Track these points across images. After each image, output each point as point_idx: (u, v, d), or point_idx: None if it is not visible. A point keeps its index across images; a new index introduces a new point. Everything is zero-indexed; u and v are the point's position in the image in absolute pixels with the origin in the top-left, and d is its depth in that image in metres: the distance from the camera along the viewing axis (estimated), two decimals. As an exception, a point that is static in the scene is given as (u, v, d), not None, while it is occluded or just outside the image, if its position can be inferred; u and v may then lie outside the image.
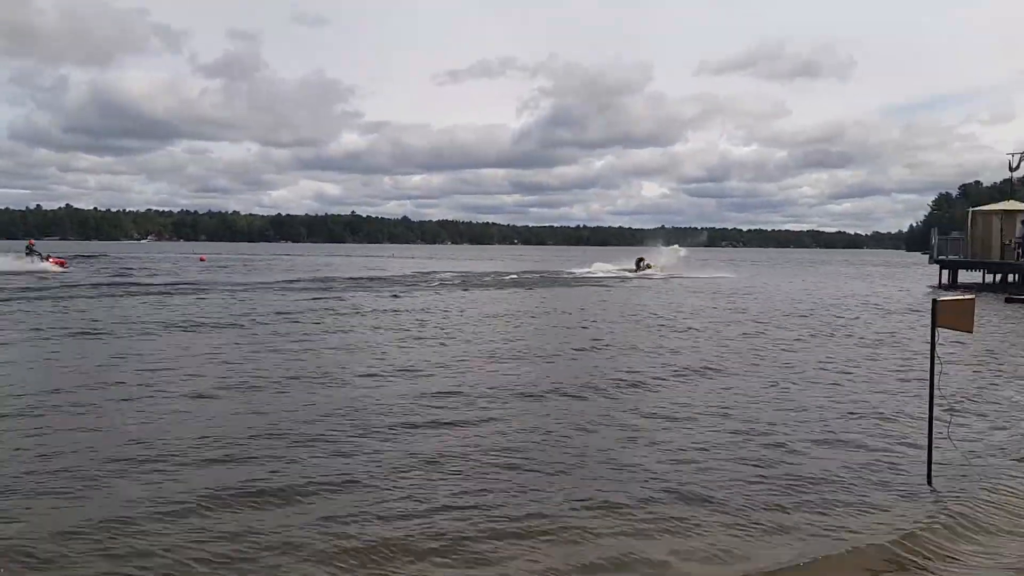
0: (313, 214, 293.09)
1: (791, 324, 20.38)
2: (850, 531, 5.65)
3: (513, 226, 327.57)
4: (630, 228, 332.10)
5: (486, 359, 13.64)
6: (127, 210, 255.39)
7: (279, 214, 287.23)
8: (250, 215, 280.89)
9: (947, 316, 6.82)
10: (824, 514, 6.00)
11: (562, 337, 17.10)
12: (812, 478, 6.90)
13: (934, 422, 6.78)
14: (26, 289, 28.29)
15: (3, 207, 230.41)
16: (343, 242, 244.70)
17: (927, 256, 43.84)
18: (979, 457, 7.55)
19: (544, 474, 6.91)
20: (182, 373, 11.65)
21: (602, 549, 5.28)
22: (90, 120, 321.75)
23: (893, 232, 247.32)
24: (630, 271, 48.52)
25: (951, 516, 5.93)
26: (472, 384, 11.12)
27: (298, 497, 6.19)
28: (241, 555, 5.09)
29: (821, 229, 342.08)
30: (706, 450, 7.79)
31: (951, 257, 40.48)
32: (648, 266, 49.17)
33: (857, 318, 22.38)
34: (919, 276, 49.39)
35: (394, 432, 8.29)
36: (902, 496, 6.45)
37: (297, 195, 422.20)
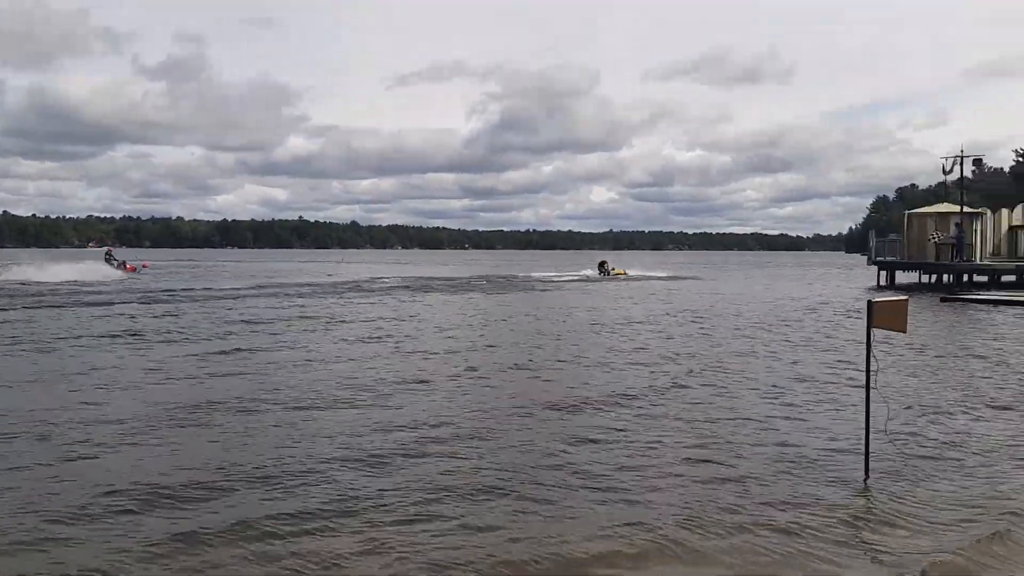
0: (260, 219, 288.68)
1: (740, 324, 20.77)
2: (789, 526, 5.79)
3: (463, 231, 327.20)
4: (579, 232, 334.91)
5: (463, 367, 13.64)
6: (67, 216, 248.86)
7: (225, 219, 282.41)
8: (195, 221, 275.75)
9: (882, 317, 7.04)
10: (766, 511, 6.15)
11: (532, 343, 17.18)
12: (754, 477, 7.06)
13: (871, 420, 7.00)
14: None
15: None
16: (291, 247, 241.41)
17: (866, 258, 45.04)
18: (914, 454, 7.79)
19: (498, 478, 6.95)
20: (121, 391, 11.38)
21: (554, 552, 5.33)
22: (29, 124, 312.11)
23: (833, 234, 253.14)
24: (594, 273, 50.23)
25: (883, 510, 6.14)
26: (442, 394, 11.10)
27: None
28: None
29: (764, 232, 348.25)
30: (651, 451, 7.91)
31: (888, 259, 41.67)
32: (612, 270, 50.99)
33: (800, 320, 22.90)
34: (859, 277, 50.69)
35: (372, 460, 8.24)
36: (839, 492, 6.64)
37: (243, 200, 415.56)
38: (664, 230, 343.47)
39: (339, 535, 5.58)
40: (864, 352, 6.97)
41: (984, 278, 36.76)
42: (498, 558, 5.21)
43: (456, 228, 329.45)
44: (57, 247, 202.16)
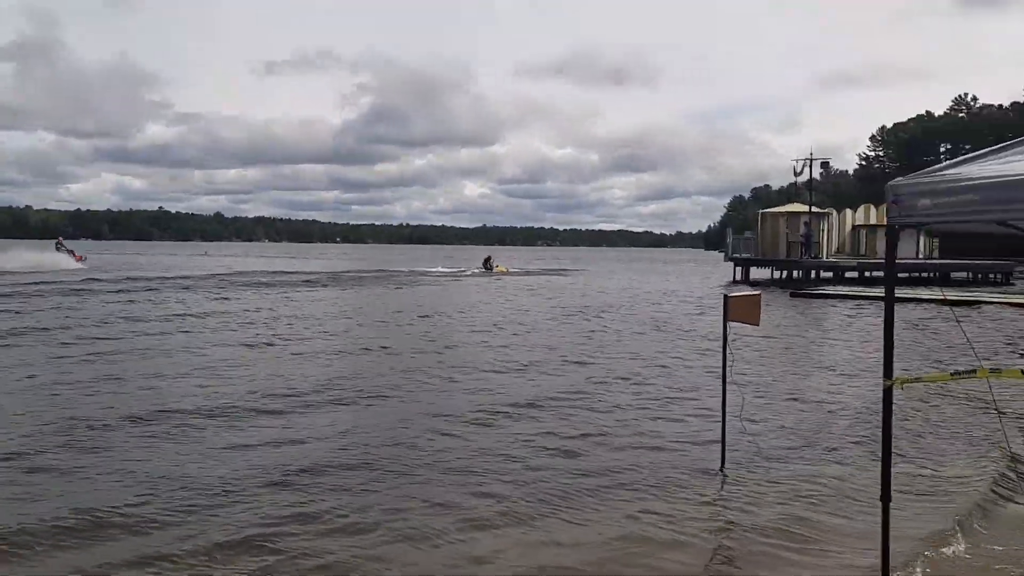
0: (117, 209, 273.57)
1: (608, 318, 21.32)
2: (648, 515, 6.01)
3: (334, 224, 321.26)
4: (452, 227, 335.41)
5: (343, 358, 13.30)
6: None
7: (78, 209, 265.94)
8: (45, 210, 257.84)
9: (736, 311, 7.38)
10: (627, 500, 6.35)
11: (411, 334, 16.97)
12: (615, 468, 7.26)
13: (727, 411, 7.34)
14: None
15: None
16: (150, 239, 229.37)
17: (723, 254, 47.24)
18: (766, 443, 8.21)
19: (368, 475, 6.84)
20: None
21: (424, 545, 5.29)
22: None
23: (694, 232, 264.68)
24: (479, 270, 51.23)
25: (735, 497, 6.46)
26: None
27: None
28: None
29: (630, 229, 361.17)
30: (515, 445, 7.99)
31: (744, 255, 43.85)
32: (496, 266, 52.33)
33: (664, 313, 23.74)
34: (717, 273, 53.08)
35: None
36: (695, 480, 6.92)
37: (99, 189, 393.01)
38: (535, 226, 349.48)
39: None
40: (720, 344, 7.29)
41: (830, 274, 39.30)
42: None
43: (327, 221, 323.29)
44: None
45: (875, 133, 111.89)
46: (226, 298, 26.98)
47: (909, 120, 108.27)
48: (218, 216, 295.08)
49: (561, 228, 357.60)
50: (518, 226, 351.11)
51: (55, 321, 18.40)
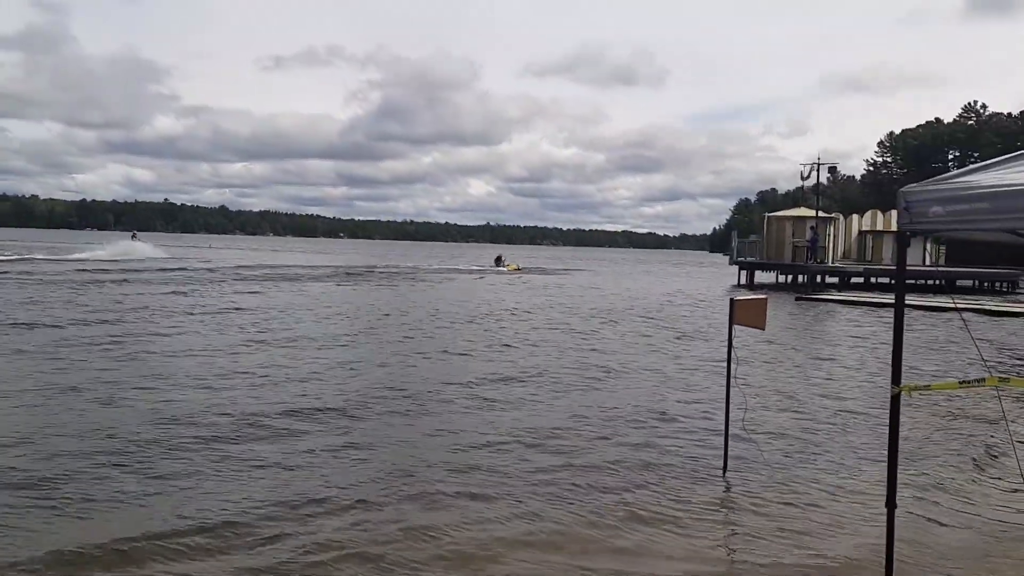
0: (122, 200, 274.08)
1: (619, 319, 21.32)
2: (652, 513, 6.04)
3: (339, 219, 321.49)
4: (456, 224, 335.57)
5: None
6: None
7: (84, 199, 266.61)
8: (51, 200, 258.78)
9: (742, 315, 7.38)
10: (631, 497, 6.41)
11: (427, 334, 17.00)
12: (618, 467, 7.28)
13: (731, 412, 7.34)
14: None
15: None
16: (155, 230, 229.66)
17: (728, 257, 47.15)
18: (770, 447, 8.20)
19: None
20: None
21: (429, 543, 5.31)
22: None
23: (699, 234, 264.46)
24: (492, 268, 52.38)
25: (738, 501, 6.46)
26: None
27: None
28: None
29: (634, 230, 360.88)
30: (514, 446, 8.00)
31: (749, 259, 43.77)
32: (507, 264, 53.50)
33: (672, 315, 23.72)
34: (722, 276, 53.00)
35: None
36: (698, 483, 6.93)
37: (105, 180, 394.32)
38: (540, 225, 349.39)
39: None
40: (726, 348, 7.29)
41: (835, 279, 39.19)
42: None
43: (331, 216, 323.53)
44: None
45: (883, 139, 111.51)
46: (255, 292, 27.07)
47: (918, 127, 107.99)
48: (223, 209, 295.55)
49: (565, 228, 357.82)
50: (522, 225, 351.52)
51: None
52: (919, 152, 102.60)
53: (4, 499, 5.86)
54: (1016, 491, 6.61)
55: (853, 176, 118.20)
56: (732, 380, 7.31)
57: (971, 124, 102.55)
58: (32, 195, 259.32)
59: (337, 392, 10.35)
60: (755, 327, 7.60)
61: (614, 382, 11.80)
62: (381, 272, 45.54)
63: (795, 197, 75.70)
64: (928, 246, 42.64)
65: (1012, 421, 9.18)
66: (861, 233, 45.09)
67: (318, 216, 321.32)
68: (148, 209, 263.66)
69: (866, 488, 6.69)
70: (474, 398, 10.30)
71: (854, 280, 39.21)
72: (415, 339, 16.11)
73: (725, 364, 7.42)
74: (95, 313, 18.40)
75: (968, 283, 40.40)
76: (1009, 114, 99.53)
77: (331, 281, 35.70)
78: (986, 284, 40.15)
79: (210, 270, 39.56)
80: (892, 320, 4.36)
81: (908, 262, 4.61)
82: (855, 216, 46.46)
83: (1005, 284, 40.19)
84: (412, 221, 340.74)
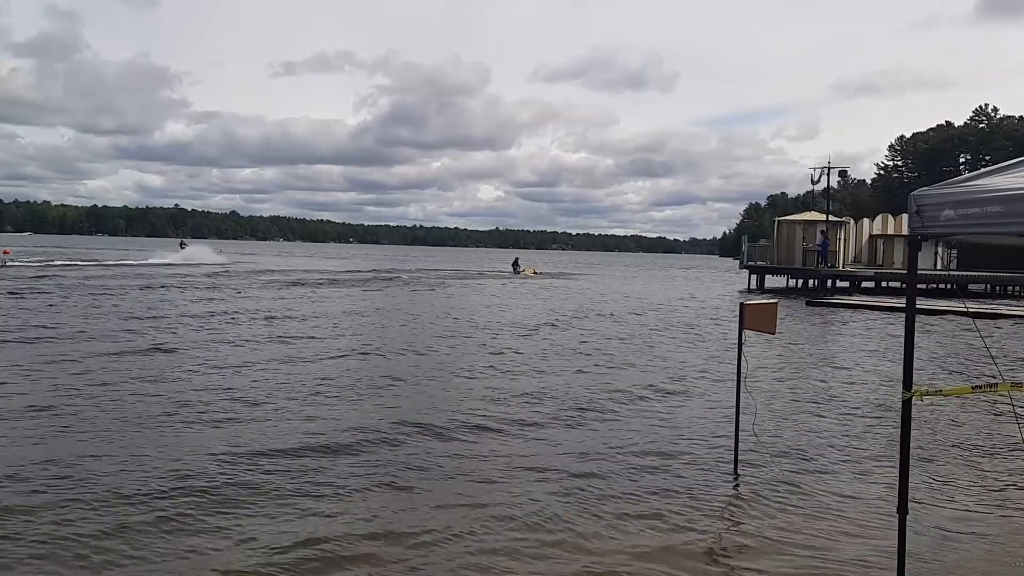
0: (133, 206, 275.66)
1: (630, 321, 21.28)
2: (664, 516, 6.06)
3: (348, 224, 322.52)
4: (466, 229, 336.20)
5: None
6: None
7: (95, 205, 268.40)
8: (63, 205, 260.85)
9: (753, 319, 7.36)
10: (644, 500, 6.43)
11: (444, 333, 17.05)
12: (633, 469, 7.28)
13: (741, 417, 7.31)
14: None
15: None
16: (166, 236, 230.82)
17: (738, 262, 47.03)
18: (779, 449, 8.17)
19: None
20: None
21: (440, 544, 5.31)
22: None
23: (708, 238, 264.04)
24: (509, 273, 53.16)
25: (749, 507, 6.43)
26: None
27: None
28: None
29: (643, 234, 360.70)
30: (528, 453, 7.99)
31: (759, 263, 43.64)
32: (523, 269, 54.14)
33: (684, 319, 23.67)
34: (733, 280, 52.84)
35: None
36: (710, 485, 6.91)
37: (116, 185, 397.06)
38: (549, 229, 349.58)
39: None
40: (736, 352, 7.26)
41: (846, 283, 39.00)
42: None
43: (341, 221, 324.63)
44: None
45: (893, 143, 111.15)
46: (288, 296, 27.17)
47: (929, 130, 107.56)
48: (234, 215, 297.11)
49: (574, 232, 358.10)
50: (531, 229, 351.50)
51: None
52: (930, 155, 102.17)
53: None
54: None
55: (864, 180, 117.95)
56: (743, 384, 7.28)
57: (982, 127, 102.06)
58: (44, 201, 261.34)
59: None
60: (765, 332, 7.57)
61: (625, 381, 11.77)
62: (409, 276, 46.94)
63: (805, 201, 75.52)
64: (940, 250, 42.37)
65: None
66: (872, 237, 44.88)
67: (328, 221, 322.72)
68: (158, 215, 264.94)
69: (878, 493, 6.65)
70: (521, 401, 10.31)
71: (865, 284, 39.04)
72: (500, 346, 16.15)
73: (735, 368, 7.39)
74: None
75: (980, 287, 40.13)
76: (1020, 117, 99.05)
77: (374, 285, 37.28)
78: (999, 288, 39.87)
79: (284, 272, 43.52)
80: (903, 324, 4.33)
81: (919, 266, 4.58)
82: (866, 220, 46.25)
83: (1018, 288, 39.90)
84: (421, 226, 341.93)
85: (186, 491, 6.27)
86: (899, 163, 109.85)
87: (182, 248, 60.20)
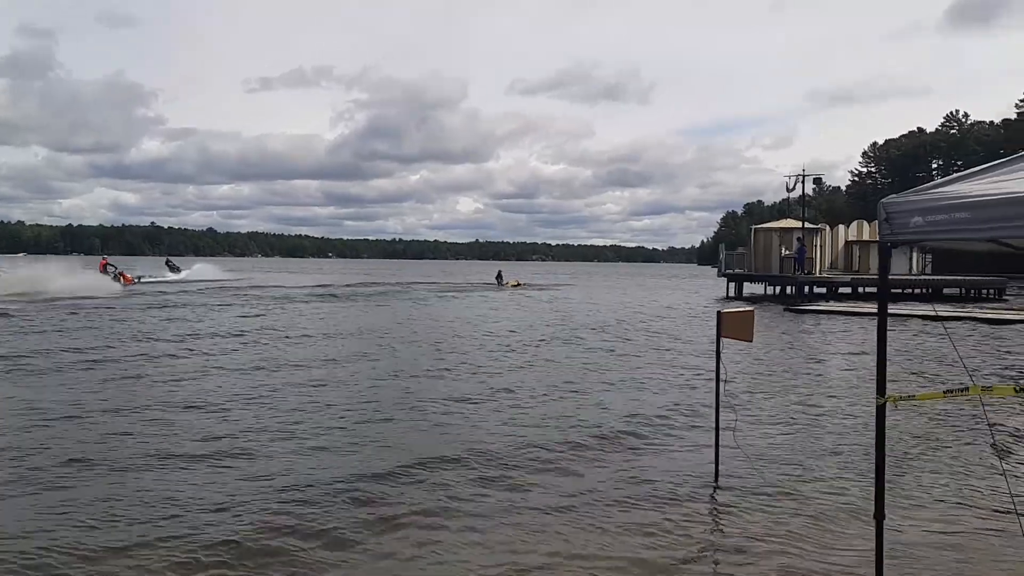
0: (109, 224, 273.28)
1: (609, 332, 21.32)
2: (646, 525, 6.07)
3: (327, 239, 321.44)
4: (445, 242, 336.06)
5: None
6: None
7: (71, 224, 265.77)
8: (37, 225, 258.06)
9: (730, 327, 7.40)
10: (626, 510, 6.47)
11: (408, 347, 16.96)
12: (617, 477, 7.30)
13: (721, 424, 7.35)
14: None
15: None
16: (143, 255, 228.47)
17: (716, 270, 47.28)
18: (759, 456, 8.20)
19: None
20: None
21: (426, 555, 5.27)
22: None
23: (687, 247, 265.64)
24: (494, 285, 53.42)
25: (731, 513, 6.45)
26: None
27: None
28: None
29: (623, 244, 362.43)
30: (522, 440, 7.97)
31: (736, 271, 43.91)
32: (506, 281, 54.39)
33: (665, 329, 23.75)
34: (711, 288, 53.13)
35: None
36: (690, 495, 6.93)
37: (92, 204, 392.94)
38: (529, 241, 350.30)
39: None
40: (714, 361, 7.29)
41: (823, 289, 39.33)
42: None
43: (319, 236, 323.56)
44: None
45: (867, 150, 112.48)
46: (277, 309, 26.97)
47: (901, 136, 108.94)
48: (211, 231, 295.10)
49: (554, 243, 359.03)
50: (511, 241, 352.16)
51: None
52: (903, 162, 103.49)
53: None
54: (1002, 501, 6.61)
55: (839, 187, 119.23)
56: (722, 392, 7.32)
57: (953, 133, 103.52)
58: (18, 221, 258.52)
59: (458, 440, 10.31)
60: (742, 339, 7.61)
61: (607, 394, 11.78)
62: (398, 287, 47.54)
63: (782, 209, 76.10)
64: (914, 255, 42.86)
65: (997, 425, 9.22)
66: (847, 243, 45.32)
67: (306, 236, 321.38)
68: (135, 233, 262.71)
69: (855, 499, 6.68)
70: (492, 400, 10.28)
71: (842, 290, 39.36)
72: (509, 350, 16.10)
73: (714, 376, 7.42)
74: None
75: (955, 291, 40.62)
76: (991, 122, 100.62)
77: (367, 299, 37.57)
78: (972, 292, 40.37)
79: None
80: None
81: (894, 271, 4.64)
82: (841, 226, 46.72)
83: (992, 291, 40.42)
84: (401, 239, 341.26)
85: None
86: (873, 170, 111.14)
87: (174, 271, 55.12)
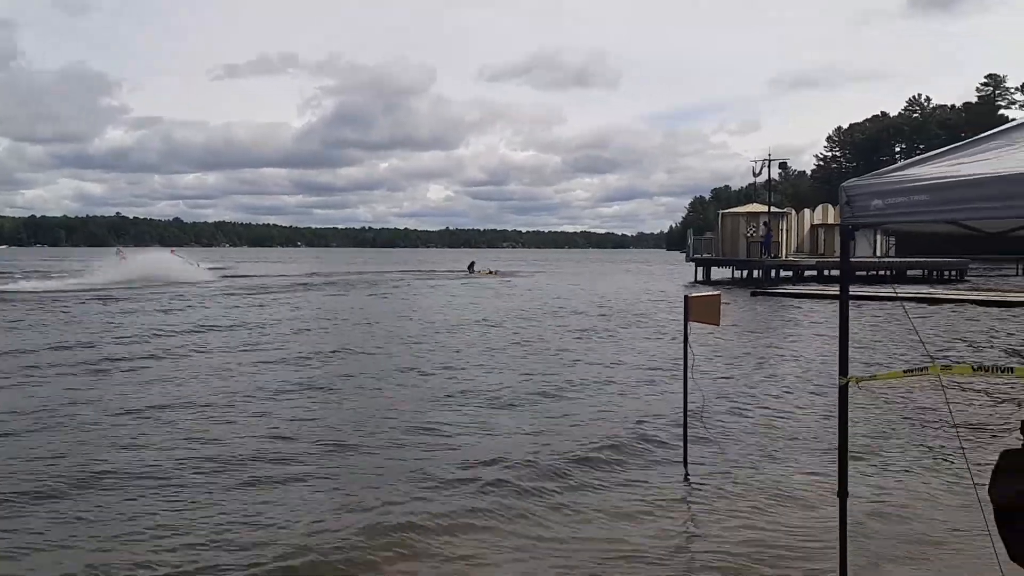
0: (73, 215, 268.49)
1: (580, 318, 21.40)
2: (616, 506, 6.19)
3: (295, 228, 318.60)
4: (416, 230, 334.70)
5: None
6: None
7: (33, 215, 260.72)
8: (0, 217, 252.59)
9: (697, 311, 7.47)
10: (600, 492, 6.60)
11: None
12: (590, 460, 7.42)
13: (689, 408, 7.43)
14: None
15: None
16: (106, 245, 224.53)
17: (685, 255, 47.66)
18: (727, 440, 8.31)
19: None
20: None
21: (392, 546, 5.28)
22: None
23: (655, 232, 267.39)
24: (466, 273, 53.45)
25: (698, 491, 6.55)
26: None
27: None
28: None
29: (592, 230, 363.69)
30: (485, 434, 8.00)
31: (705, 255, 44.27)
32: (479, 270, 54.16)
33: (633, 313, 23.89)
34: (680, 273, 53.52)
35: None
36: (658, 475, 7.08)
37: (55, 195, 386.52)
38: (499, 228, 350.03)
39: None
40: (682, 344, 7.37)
41: (790, 273, 39.84)
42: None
43: (288, 225, 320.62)
44: None
45: (831, 134, 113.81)
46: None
47: (865, 120, 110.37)
48: (177, 221, 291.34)
49: (525, 230, 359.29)
50: (481, 228, 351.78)
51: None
52: (867, 145, 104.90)
53: None
54: (960, 475, 6.76)
55: (804, 171, 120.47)
56: (689, 374, 7.40)
57: (916, 117, 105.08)
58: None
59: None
60: (710, 323, 7.69)
61: (577, 379, 11.85)
62: (372, 278, 46.91)
63: (748, 193, 76.77)
64: (878, 238, 43.49)
65: (955, 402, 9.42)
66: (813, 227, 45.82)
67: (274, 225, 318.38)
68: (99, 224, 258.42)
69: (820, 478, 6.80)
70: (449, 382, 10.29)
71: (808, 273, 39.85)
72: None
73: (682, 359, 7.50)
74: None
75: (918, 273, 41.31)
76: (952, 106, 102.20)
77: (350, 289, 37.35)
78: (935, 273, 41.10)
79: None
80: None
81: (859, 255, 4.70)
82: (807, 210, 47.20)
83: (954, 272, 41.18)
84: (371, 228, 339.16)
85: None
86: (837, 154, 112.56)
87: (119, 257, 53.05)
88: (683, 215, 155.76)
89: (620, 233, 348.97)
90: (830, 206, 46.62)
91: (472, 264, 56.26)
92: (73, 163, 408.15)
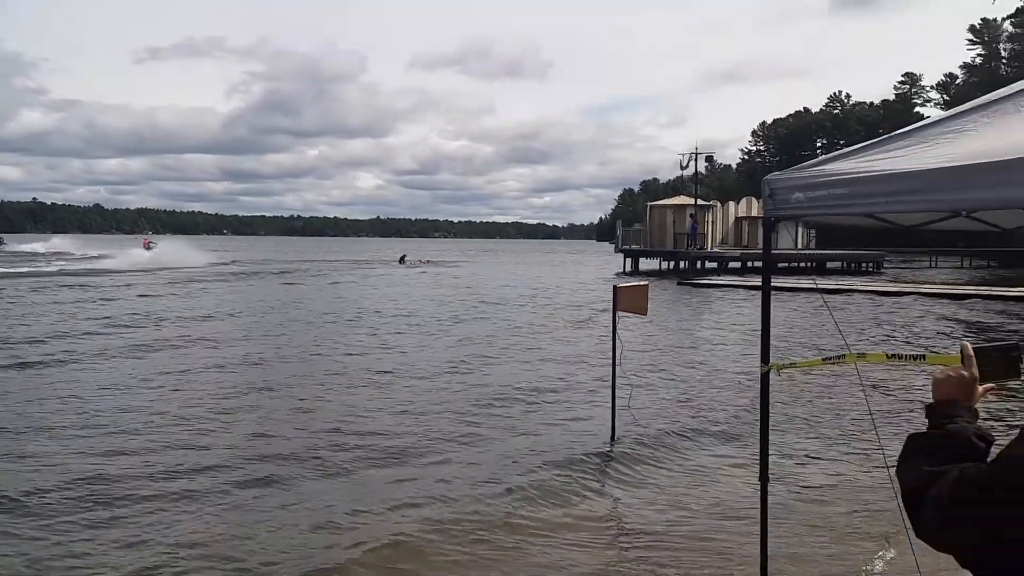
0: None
1: (512, 307, 21.46)
2: (546, 484, 6.41)
3: (221, 215, 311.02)
4: (346, 219, 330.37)
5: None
6: None
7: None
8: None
9: (625, 301, 7.60)
10: (533, 471, 6.80)
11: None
12: (525, 448, 7.52)
13: (617, 392, 7.59)
14: None
15: None
16: (24, 231, 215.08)
17: (614, 246, 48.18)
18: (653, 425, 8.48)
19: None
20: None
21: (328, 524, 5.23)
22: None
23: (586, 223, 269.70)
24: (398, 264, 53.03)
25: (624, 465, 6.77)
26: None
27: None
28: None
29: (524, 221, 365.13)
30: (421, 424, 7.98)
31: (633, 247, 44.86)
32: (410, 261, 53.87)
33: (561, 304, 24.09)
34: (609, 264, 54.16)
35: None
36: (592, 453, 7.38)
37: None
38: (431, 218, 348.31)
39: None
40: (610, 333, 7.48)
41: (715, 264, 40.67)
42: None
43: (213, 213, 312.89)
44: None
45: (756, 128, 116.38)
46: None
47: (788, 116, 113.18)
48: (98, 207, 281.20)
49: (456, 220, 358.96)
50: (413, 218, 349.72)
51: None
52: (789, 140, 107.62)
53: None
54: (875, 456, 7.06)
55: (730, 165, 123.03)
56: (617, 362, 7.53)
57: (836, 113, 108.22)
58: None
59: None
60: (637, 313, 7.83)
61: (504, 367, 11.90)
62: (304, 268, 46.23)
63: (676, 186, 77.99)
64: (799, 231, 44.71)
65: (870, 387, 9.81)
66: (738, 219, 46.86)
67: (199, 212, 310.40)
68: (15, 209, 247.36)
69: (742, 462, 7.01)
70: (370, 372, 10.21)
71: (732, 265, 40.77)
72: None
73: (610, 348, 7.63)
74: None
75: (837, 265, 42.67)
76: (871, 103, 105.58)
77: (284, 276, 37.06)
78: (853, 265, 42.51)
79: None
80: (762, 302, 4.57)
81: (781, 247, 4.84)
82: (732, 203, 48.25)
83: (871, 265, 42.67)
84: (299, 216, 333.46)
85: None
86: (762, 148, 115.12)
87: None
88: (613, 207, 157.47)
89: (551, 224, 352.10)
90: (754, 199, 47.74)
91: (403, 257, 55.90)
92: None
